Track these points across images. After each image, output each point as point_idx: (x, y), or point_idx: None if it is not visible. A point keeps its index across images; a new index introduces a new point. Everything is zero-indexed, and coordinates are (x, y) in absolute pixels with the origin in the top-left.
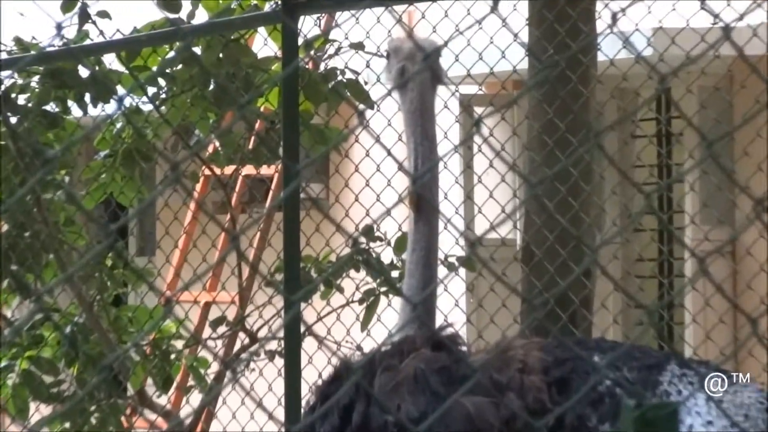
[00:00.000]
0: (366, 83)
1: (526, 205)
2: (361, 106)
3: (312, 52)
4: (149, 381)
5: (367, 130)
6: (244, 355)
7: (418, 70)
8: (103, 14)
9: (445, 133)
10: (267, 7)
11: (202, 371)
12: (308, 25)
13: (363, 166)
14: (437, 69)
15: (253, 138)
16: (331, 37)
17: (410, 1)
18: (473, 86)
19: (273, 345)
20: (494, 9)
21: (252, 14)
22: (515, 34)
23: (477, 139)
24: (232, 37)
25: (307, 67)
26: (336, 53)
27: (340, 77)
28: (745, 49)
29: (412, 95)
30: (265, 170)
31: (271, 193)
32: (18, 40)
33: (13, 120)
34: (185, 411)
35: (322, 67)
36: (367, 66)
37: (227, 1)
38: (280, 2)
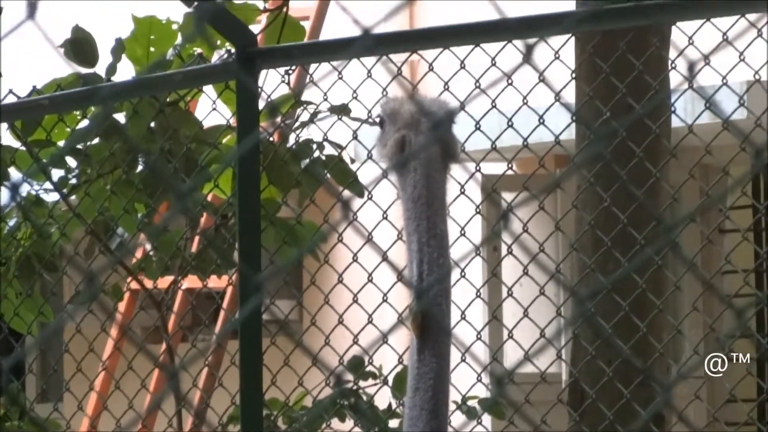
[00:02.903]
0: (352, 161)
1: (573, 327)
2: (347, 193)
3: (278, 120)
4: None
5: (354, 226)
6: None
7: (424, 144)
8: None
9: (462, 228)
10: (216, 58)
11: None
12: (273, 82)
13: (349, 275)
14: (450, 141)
15: (197, 239)
16: (304, 98)
17: (412, 47)
18: (500, 164)
19: None
20: (528, 58)
21: (195, 67)
22: (557, 92)
23: (506, 236)
24: (168, 100)
25: (271, 140)
26: (311, 120)
27: (316, 153)
28: None
29: (416, 178)
30: (215, 282)
31: (222, 313)
32: None
33: None
34: None
35: (291, 139)
36: (355, 137)
37: (161, 49)
38: (233, 51)
